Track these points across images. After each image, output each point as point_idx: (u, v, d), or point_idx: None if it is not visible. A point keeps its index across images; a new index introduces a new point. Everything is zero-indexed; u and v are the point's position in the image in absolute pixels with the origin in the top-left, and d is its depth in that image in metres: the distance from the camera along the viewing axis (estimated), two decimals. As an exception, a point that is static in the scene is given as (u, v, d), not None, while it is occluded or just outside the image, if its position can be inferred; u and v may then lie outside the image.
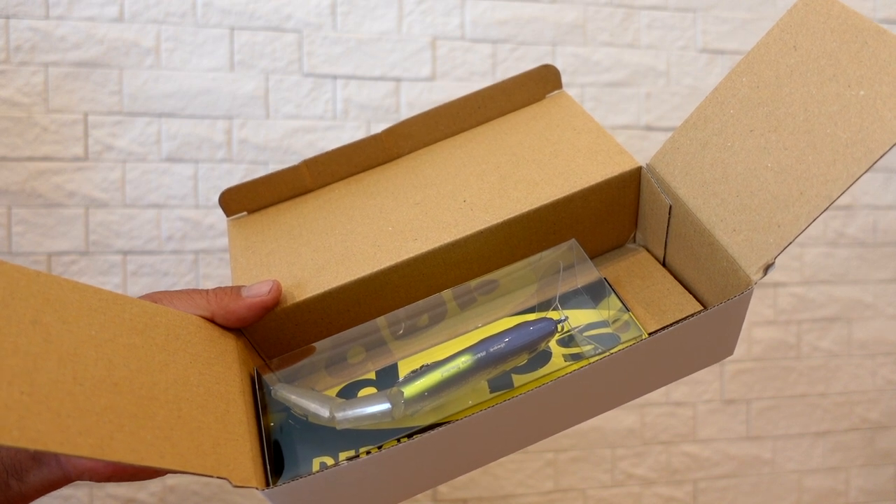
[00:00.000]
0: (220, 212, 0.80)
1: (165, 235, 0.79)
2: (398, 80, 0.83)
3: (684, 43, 0.89)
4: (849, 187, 0.32)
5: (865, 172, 0.32)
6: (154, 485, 0.80)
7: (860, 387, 0.97)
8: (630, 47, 0.88)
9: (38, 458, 0.38)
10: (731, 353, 0.42)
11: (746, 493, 0.95)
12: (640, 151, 0.88)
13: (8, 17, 0.76)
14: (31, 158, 0.77)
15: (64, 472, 0.39)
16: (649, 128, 0.89)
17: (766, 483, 0.95)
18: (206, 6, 0.79)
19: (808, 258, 0.94)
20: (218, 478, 0.32)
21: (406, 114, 0.83)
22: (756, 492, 0.95)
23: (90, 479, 0.39)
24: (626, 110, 0.88)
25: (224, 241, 0.80)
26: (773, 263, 0.36)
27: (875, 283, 0.96)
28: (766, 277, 0.36)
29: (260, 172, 0.80)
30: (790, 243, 0.35)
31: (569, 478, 0.89)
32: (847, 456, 0.97)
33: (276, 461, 0.39)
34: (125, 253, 0.79)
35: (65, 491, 0.78)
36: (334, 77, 0.82)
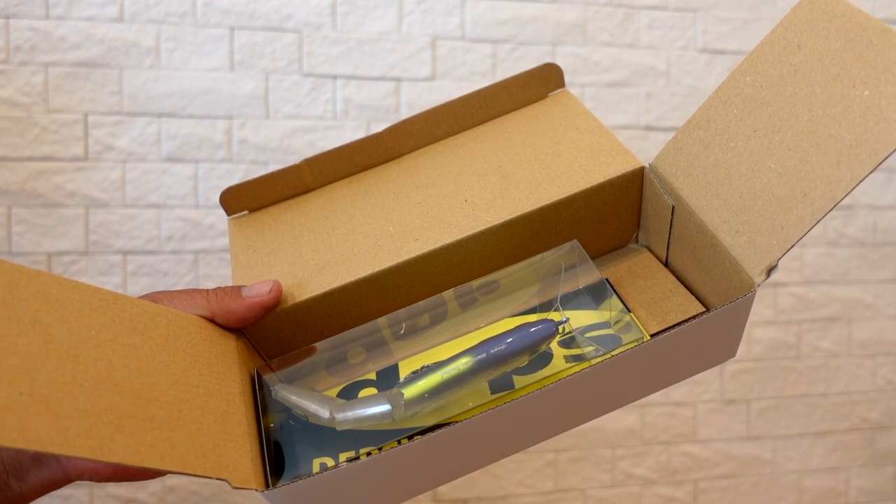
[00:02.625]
0: (220, 212, 0.80)
1: (165, 235, 0.79)
2: (398, 80, 0.83)
3: (684, 43, 0.89)
4: (853, 189, 0.32)
5: (870, 174, 0.31)
6: (154, 485, 0.79)
7: (860, 387, 0.97)
8: (630, 47, 0.88)
9: (38, 458, 0.38)
10: (733, 354, 0.42)
11: (746, 493, 0.95)
12: (641, 151, 0.88)
13: (8, 17, 0.76)
14: (31, 158, 0.76)
15: (64, 472, 0.38)
16: (649, 128, 0.89)
17: (766, 483, 0.95)
18: (206, 6, 0.79)
19: (808, 258, 0.94)
20: (217, 479, 0.32)
21: (406, 114, 0.83)
22: (756, 492, 0.95)
23: (90, 480, 0.39)
24: (626, 110, 0.88)
25: (224, 241, 0.80)
26: (775, 266, 0.35)
27: (875, 283, 0.96)
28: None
29: (260, 172, 0.80)
30: (793, 245, 0.34)
31: (569, 478, 0.89)
32: (847, 456, 0.97)
33: (276, 461, 0.39)
34: (125, 253, 0.78)
35: (65, 491, 0.78)
36: (334, 77, 0.82)
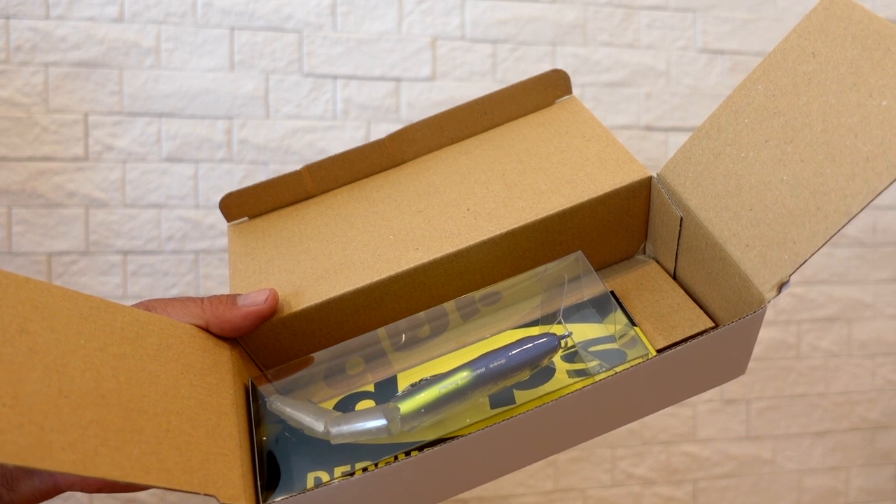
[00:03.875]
0: (220, 211, 0.79)
1: (165, 235, 0.78)
2: (398, 80, 0.82)
3: (684, 43, 0.88)
4: (869, 203, 0.31)
5: (887, 188, 0.30)
6: (152, 487, 0.79)
7: (860, 387, 0.96)
8: (630, 47, 0.87)
9: (28, 468, 0.37)
10: (742, 372, 0.41)
11: (746, 493, 0.94)
12: (640, 152, 0.87)
13: (8, 17, 0.75)
14: (31, 158, 0.76)
15: (55, 483, 0.38)
16: (649, 128, 0.88)
17: (766, 483, 0.95)
18: (206, 6, 0.78)
19: (809, 259, 0.93)
20: (206, 495, 0.31)
21: (406, 114, 0.82)
22: (756, 492, 0.94)
23: (80, 491, 0.38)
24: (626, 110, 0.87)
25: (224, 241, 0.80)
26: (787, 281, 0.34)
27: (875, 283, 0.95)
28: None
29: (260, 172, 0.79)
30: (806, 261, 0.33)
31: (569, 478, 0.88)
32: (847, 456, 0.97)
33: (271, 474, 0.38)
34: (125, 253, 0.78)
35: (62, 492, 0.77)
36: (334, 77, 0.81)
